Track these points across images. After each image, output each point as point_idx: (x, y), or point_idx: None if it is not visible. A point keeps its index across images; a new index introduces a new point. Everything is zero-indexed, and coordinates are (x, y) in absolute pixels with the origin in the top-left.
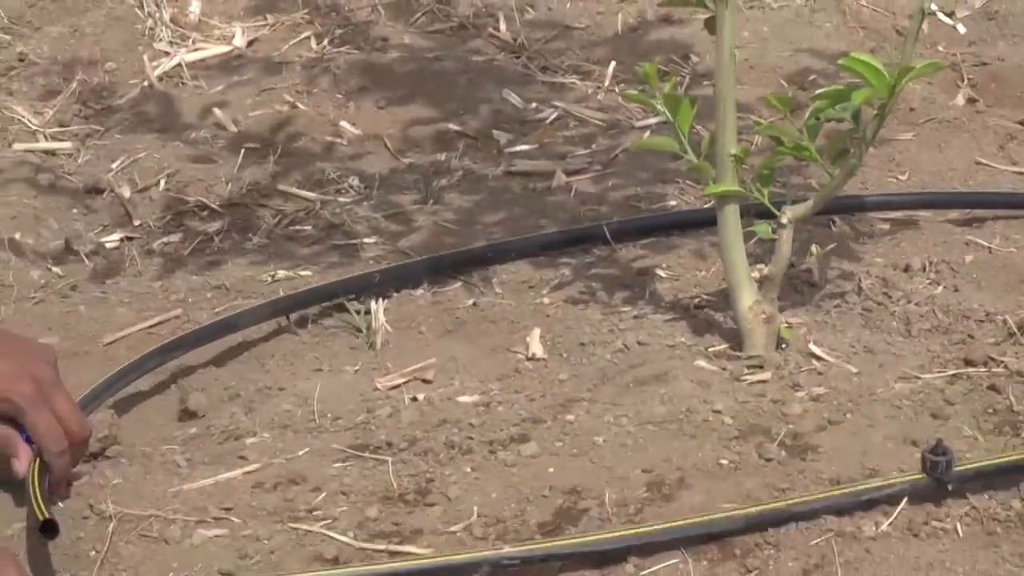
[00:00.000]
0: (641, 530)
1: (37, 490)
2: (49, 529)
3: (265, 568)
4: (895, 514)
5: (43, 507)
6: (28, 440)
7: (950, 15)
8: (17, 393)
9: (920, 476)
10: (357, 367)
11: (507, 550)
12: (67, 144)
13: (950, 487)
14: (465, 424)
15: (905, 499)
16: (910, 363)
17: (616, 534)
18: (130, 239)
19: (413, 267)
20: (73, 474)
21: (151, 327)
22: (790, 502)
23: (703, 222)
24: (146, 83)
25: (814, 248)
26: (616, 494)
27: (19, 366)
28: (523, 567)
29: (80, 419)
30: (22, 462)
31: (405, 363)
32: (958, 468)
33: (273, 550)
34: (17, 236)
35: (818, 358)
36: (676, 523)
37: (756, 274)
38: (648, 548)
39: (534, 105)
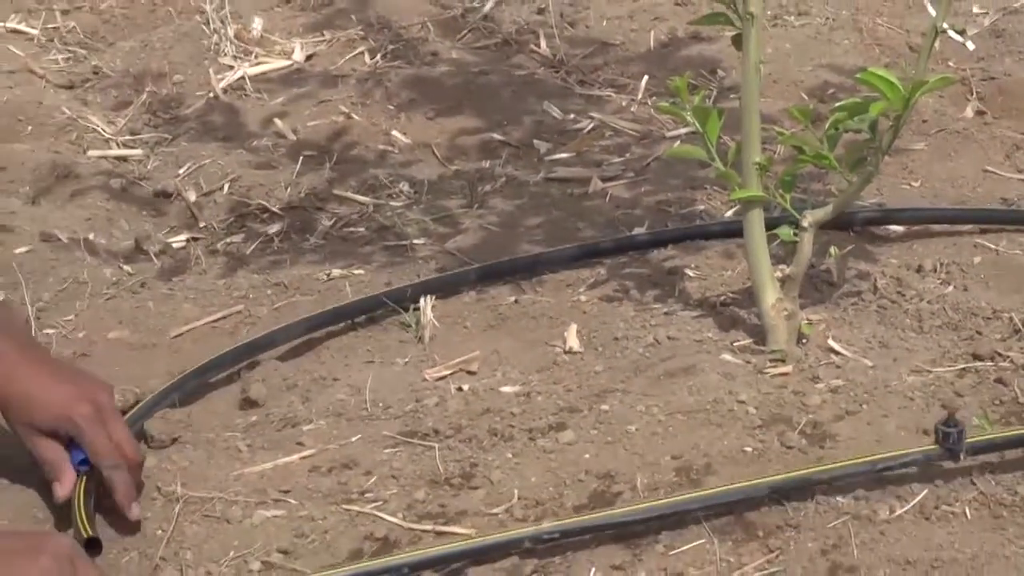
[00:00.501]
0: (670, 500)
1: (82, 508)
2: (93, 546)
3: (320, 546)
4: (909, 499)
5: (87, 525)
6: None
7: (960, 33)
8: (77, 414)
9: (934, 447)
10: (407, 359)
11: (546, 525)
12: (138, 151)
13: (962, 457)
14: (507, 413)
15: (918, 469)
16: (922, 357)
17: (645, 505)
18: (195, 240)
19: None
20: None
21: (214, 321)
22: (812, 470)
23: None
24: (211, 95)
25: (832, 250)
26: (647, 478)
27: (79, 390)
28: (562, 540)
29: (134, 444)
30: (64, 487)
31: (451, 356)
32: (969, 439)
33: (327, 530)
34: (91, 236)
35: (836, 352)
36: (702, 492)
37: (779, 274)
38: (676, 521)
39: (572, 116)
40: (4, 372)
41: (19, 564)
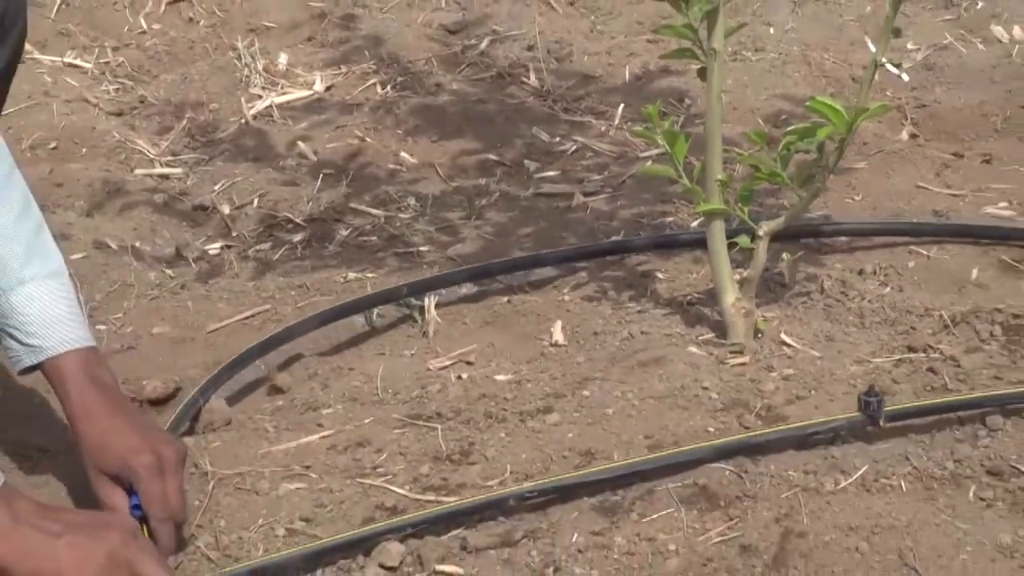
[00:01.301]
0: (629, 461)
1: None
2: None
3: (337, 515)
4: (852, 473)
5: None
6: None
7: (897, 66)
8: (139, 463)
9: (857, 414)
10: (413, 351)
11: (527, 485)
12: (178, 170)
13: (881, 424)
14: (500, 398)
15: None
16: (863, 349)
17: (612, 465)
18: (229, 247)
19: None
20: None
21: (245, 319)
22: (751, 434)
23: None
24: (243, 121)
25: (785, 256)
26: (622, 454)
27: (147, 442)
28: (540, 498)
29: (182, 505)
30: None
31: (452, 348)
32: (888, 408)
33: (343, 500)
34: (138, 244)
35: (788, 345)
36: (660, 454)
37: (738, 276)
38: (647, 491)
39: (558, 139)
40: (87, 416)
41: (93, 535)
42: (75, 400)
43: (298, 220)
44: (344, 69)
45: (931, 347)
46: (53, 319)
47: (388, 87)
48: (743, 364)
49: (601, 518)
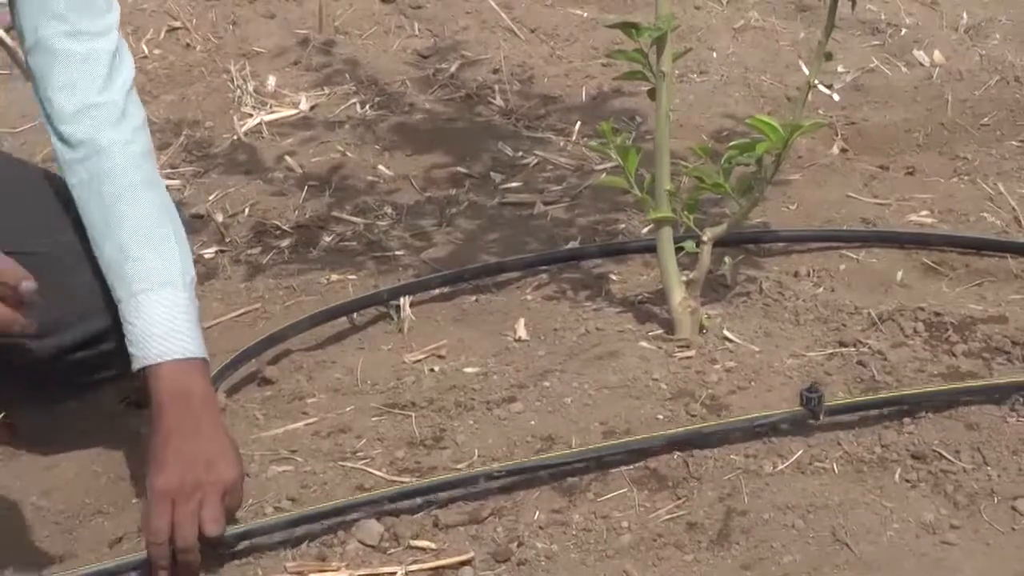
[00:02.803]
0: (583, 448)
1: None
2: None
3: (320, 495)
4: (788, 457)
5: None
6: None
7: (828, 87)
8: (155, 485)
9: (799, 408)
10: (390, 346)
11: (496, 465)
12: (176, 182)
13: (820, 418)
14: (469, 388)
15: (791, 428)
16: (798, 344)
17: (568, 452)
18: (223, 252)
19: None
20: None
21: (237, 316)
22: (703, 425)
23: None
24: (235, 137)
25: (727, 259)
26: (580, 439)
27: (186, 466)
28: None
29: (184, 533)
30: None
31: (425, 343)
32: (827, 403)
33: (326, 482)
34: None
35: (730, 340)
36: (617, 441)
37: (684, 278)
38: (602, 474)
39: (521, 154)
40: (152, 429)
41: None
42: (152, 403)
43: (286, 227)
44: (327, 90)
45: (860, 342)
46: (151, 331)
47: (367, 107)
48: (689, 357)
49: (560, 498)
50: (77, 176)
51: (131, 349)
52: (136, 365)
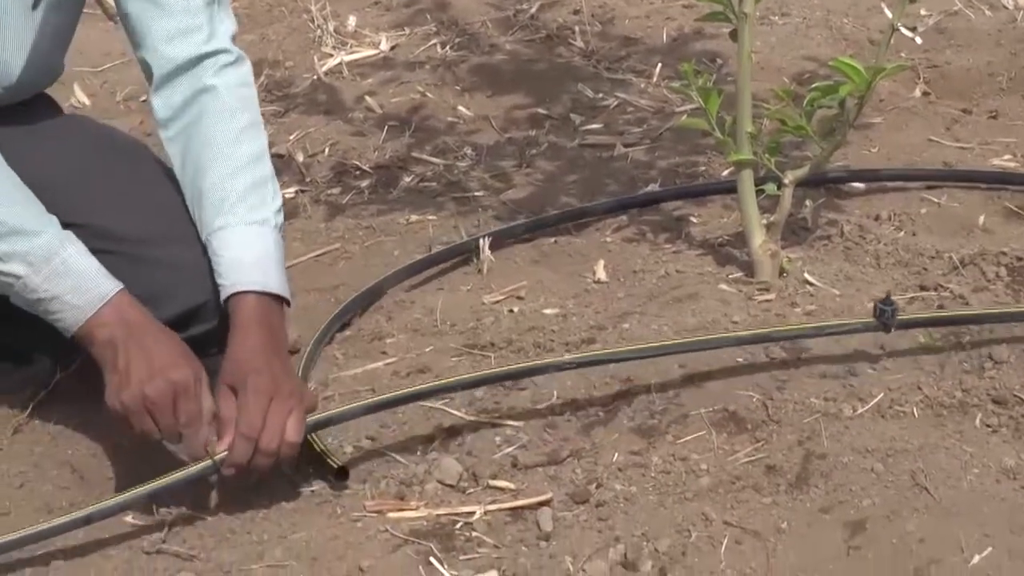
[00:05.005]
0: (650, 345)
1: (322, 447)
2: (342, 475)
3: (399, 434)
4: (868, 400)
5: (332, 458)
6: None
7: (911, 30)
8: (252, 379)
9: (871, 319)
10: (469, 288)
11: (567, 357)
12: None
13: (892, 330)
14: (548, 330)
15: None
16: (879, 288)
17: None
18: (303, 192)
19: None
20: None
21: (317, 256)
22: (771, 329)
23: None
24: (316, 77)
25: (808, 202)
26: (659, 381)
27: (273, 372)
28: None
29: (267, 429)
30: (222, 443)
31: (504, 285)
32: (901, 316)
33: (405, 422)
34: None
35: (810, 283)
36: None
37: (765, 221)
38: (682, 416)
39: (601, 95)
40: (236, 336)
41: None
42: (235, 324)
43: (366, 167)
44: (408, 31)
45: (941, 286)
46: (238, 262)
47: (448, 47)
48: (769, 300)
49: (639, 439)
50: (181, 121)
51: (220, 280)
52: (224, 294)
